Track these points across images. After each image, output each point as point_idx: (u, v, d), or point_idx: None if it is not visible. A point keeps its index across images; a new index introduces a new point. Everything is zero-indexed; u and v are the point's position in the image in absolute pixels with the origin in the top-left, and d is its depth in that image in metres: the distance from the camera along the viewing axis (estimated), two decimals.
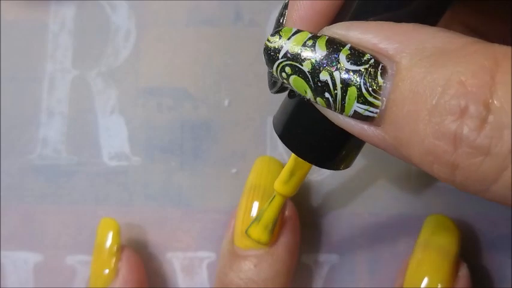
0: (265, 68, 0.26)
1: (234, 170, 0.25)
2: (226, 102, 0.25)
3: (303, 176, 0.20)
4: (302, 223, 0.24)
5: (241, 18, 0.26)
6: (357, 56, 0.14)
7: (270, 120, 0.25)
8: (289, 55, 0.15)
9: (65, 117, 0.26)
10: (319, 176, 0.25)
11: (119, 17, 0.26)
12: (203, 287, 0.24)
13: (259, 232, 0.21)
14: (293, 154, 0.19)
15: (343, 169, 0.18)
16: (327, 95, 0.14)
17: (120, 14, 0.26)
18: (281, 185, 0.20)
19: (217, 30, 0.26)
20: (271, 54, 0.15)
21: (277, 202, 0.21)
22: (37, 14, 0.27)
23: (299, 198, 0.25)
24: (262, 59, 0.16)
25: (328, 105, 0.15)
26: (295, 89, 0.15)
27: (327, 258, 0.24)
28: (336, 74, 0.14)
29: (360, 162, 0.25)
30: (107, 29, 0.26)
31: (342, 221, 0.25)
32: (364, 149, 0.25)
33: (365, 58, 0.14)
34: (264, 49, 0.16)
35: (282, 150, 0.25)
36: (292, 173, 0.20)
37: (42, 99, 0.26)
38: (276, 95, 0.25)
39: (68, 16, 0.26)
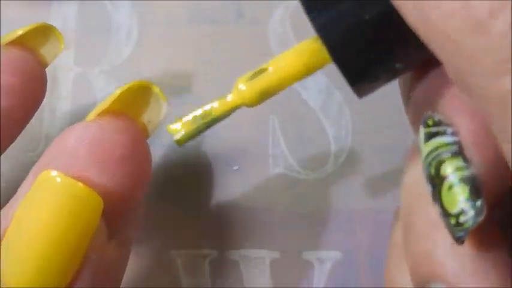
0: None
1: (235, 167, 0.25)
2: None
3: (281, 82, 0.16)
4: (304, 221, 0.24)
5: (242, 17, 0.26)
6: None
7: (272, 118, 0.25)
8: None
9: (67, 115, 0.26)
10: (322, 173, 0.25)
11: (121, 15, 0.26)
12: (206, 285, 0.25)
13: (183, 126, 0.17)
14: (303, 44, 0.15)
15: (360, 94, 0.15)
16: None
17: (121, 12, 0.26)
18: (244, 81, 0.16)
19: (218, 28, 0.26)
20: None
21: (225, 104, 0.17)
22: (38, 12, 0.27)
23: (300, 195, 0.25)
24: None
25: None
26: None
27: (329, 256, 0.24)
28: None
29: (361, 160, 0.25)
30: (108, 27, 0.26)
31: (344, 218, 0.25)
32: (366, 146, 0.25)
33: None
34: None
35: (284, 147, 0.25)
36: (273, 70, 0.15)
37: (45, 97, 0.26)
38: (277, 95, 0.25)
39: (70, 14, 0.27)
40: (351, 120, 0.25)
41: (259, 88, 0.16)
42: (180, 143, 0.17)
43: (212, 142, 0.25)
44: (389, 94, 0.25)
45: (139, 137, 0.18)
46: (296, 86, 0.25)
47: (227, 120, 0.25)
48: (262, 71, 0.16)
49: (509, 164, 0.12)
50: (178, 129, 0.17)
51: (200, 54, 0.26)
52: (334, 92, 0.25)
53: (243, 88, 0.16)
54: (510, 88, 0.11)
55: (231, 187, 0.25)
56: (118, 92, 0.18)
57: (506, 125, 0.12)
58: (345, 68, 0.14)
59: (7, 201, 0.25)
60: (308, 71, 0.16)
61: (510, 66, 0.11)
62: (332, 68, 0.26)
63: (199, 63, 0.26)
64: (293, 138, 0.25)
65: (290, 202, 0.25)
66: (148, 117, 0.19)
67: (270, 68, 0.16)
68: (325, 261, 0.24)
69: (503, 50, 0.11)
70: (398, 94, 0.20)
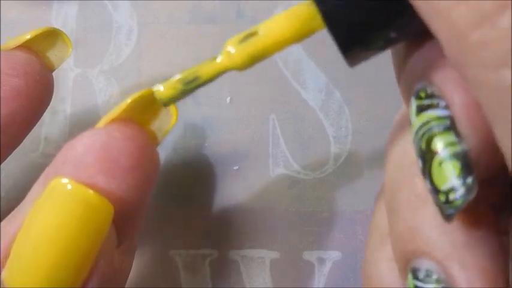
0: (265, 66, 0.26)
1: (236, 167, 0.25)
2: (228, 100, 0.25)
3: (272, 46, 0.15)
4: (304, 221, 0.24)
5: (242, 16, 0.26)
6: None
7: (272, 118, 0.25)
8: None
9: (68, 116, 0.26)
10: (321, 173, 0.25)
11: (121, 16, 0.26)
12: (206, 285, 0.25)
13: (169, 85, 0.16)
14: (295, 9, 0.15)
15: (351, 63, 0.15)
16: None
17: (122, 13, 0.26)
18: (235, 43, 0.15)
19: (219, 28, 0.26)
20: None
21: (214, 65, 0.16)
22: (39, 12, 0.27)
23: (300, 195, 0.25)
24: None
25: None
26: None
27: (329, 256, 0.24)
28: None
29: (361, 160, 0.25)
30: (108, 27, 0.26)
31: (344, 219, 0.25)
32: (366, 146, 0.25)
33: None
34: None
35: (284, 147, 0.25)
36: (265, 34, 0.15)
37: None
38: (277, 95, 0.25)
39: (70, 15, 0.27)
40: (351, 120, 0.25)
41: (250, 52, 0.15)
42: (166, 104, 0.17)
43: (212, 142, 0.25)
44: (390, 93, 0.25)
45: (148, 145, 0.18)
46: (296, 86, 0.25)
47: (227, 121, 0.25)
48: (253, 34, 0.15)
49: (506, 156, 0.12)
50: (163, 90, 0.16)
51: (200, 54, 0.26)
52: (334, 92, 0.25)
53: (232, 51, 0.15)
54: (508, 80, 0.11)
55: (231, 187, 0.25)
56: (129, 100, 0.18)
57: (503, 115, 0.12)
58: (338, 33, 0.14)
59: (7, 199, 0.25)
60: (300, 36, 0.15)
61: (510, 59, 0.11)
62: (332, 68, 0.26)
63: (199, 62, 0.26)
64: (293, 138, 0.25)
65: (290, 202, 0.25)
66: (158, 124, 0.19)
67: (261, 32, 0.15)
68: (325, 261, 0.24)
69: (505, 43, 0.11)
70: (399, 93, 0.20)
